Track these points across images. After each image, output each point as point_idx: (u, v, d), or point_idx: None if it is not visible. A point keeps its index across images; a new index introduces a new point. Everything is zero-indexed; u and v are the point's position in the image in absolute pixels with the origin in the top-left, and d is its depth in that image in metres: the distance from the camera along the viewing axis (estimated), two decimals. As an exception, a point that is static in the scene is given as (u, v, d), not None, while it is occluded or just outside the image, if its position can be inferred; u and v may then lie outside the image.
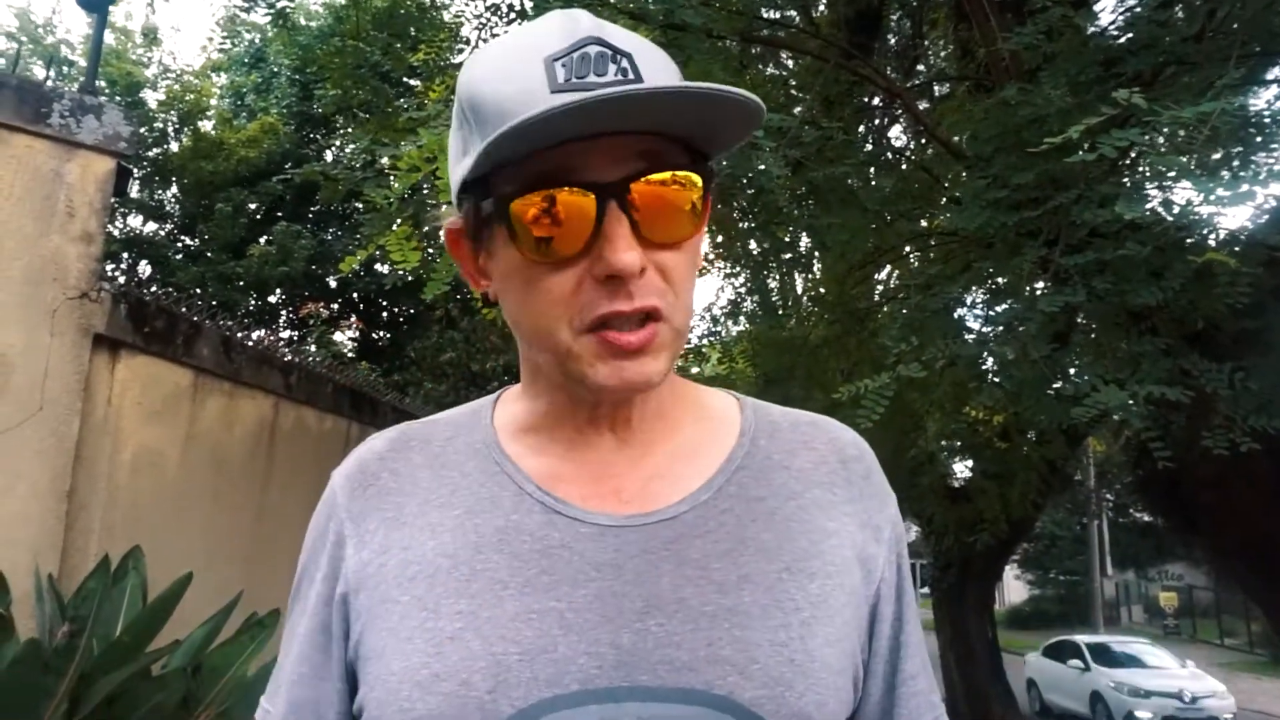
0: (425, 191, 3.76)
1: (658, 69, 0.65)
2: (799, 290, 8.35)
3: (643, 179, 0.63)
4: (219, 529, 4.14)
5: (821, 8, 7.25)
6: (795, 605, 0.68)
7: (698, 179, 0.66)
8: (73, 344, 3.23)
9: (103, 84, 11.74)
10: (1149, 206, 3.12)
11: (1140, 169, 2.74)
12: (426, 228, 3.48)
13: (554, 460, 0.74)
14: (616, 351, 0.65)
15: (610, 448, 0.74)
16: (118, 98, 11.56)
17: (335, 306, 12.00)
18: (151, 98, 12.85)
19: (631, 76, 0.63)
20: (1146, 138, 2.07)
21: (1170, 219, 2.95)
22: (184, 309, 4.02)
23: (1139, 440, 4.43)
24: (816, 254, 7.01)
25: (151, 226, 12.02)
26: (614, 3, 3.65)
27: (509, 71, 0.64)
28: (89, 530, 3.31)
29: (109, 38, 12.96)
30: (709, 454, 0.76)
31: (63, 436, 3.19)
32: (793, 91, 6.57)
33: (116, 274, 10.73)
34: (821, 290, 7.42)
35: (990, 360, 3.94)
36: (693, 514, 0.71)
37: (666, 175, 0.64)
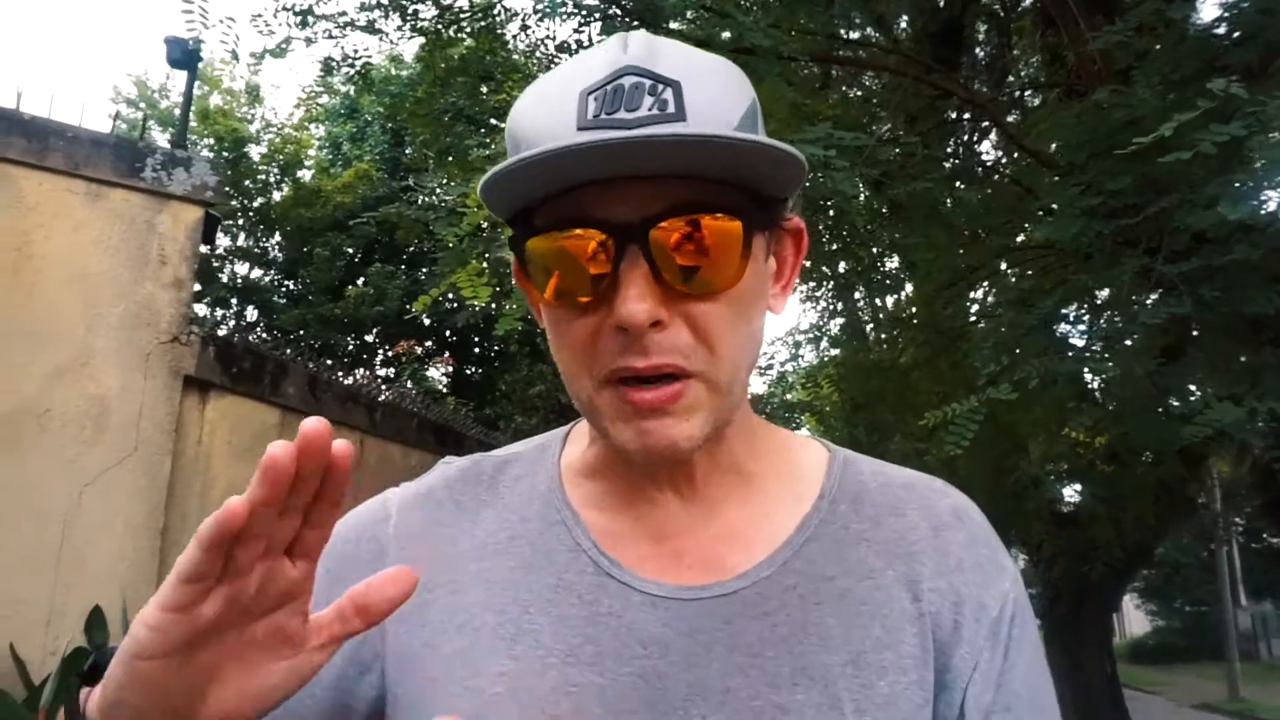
0: (496, 229, 3.79)
1: (709, 100, 0.58)
2: (887, 311, 8.11)
3: (668, 221, 0.57)
4: (308, 564, 4.22)
5: (903, 24, 7.11)
6: (857, 707, 0.60)
7: (736, 224, 0.58)
8: (165, 386, 3.36)
9: (210, 141, 12.47)
10: (1266, 207, 2.88)
11: (1256, 165, 2.53)
12: (492, 260, 3.50)
13: (614, 514, 0.68)
14: (637, 410, 0.59)
15: (674, 506, 0.68)
16: (225, 154, 12.25)
17: (429, 344, 12.32)
18: (255, 152, 13.58)
19: (672, 110, 0.56)
20: (1250, 131, 1.88)
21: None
22: (274, 350, 4.15)
23: (1266, 461, 4.07)
24: (904, 274, 6.80)
25: (257, 273, 12.64)
26: (679, 28, 3.63)
27: (547, 104, 0.60)
28: (182, 567, 3.41)
29: (216, 98, 13.80)
30: (783, 519, 0.68)
31: (156, 476, 3.31)
32: (875, 110, 6.43)
33: (226, 318, 11.32)
34: (911, 311, 7.19)
35: (1094, 378, 3.69)
36: (752, 590, 0.64)
37: (697, 218, 0.57)
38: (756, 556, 0.65)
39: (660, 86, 0.57)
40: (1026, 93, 7.14)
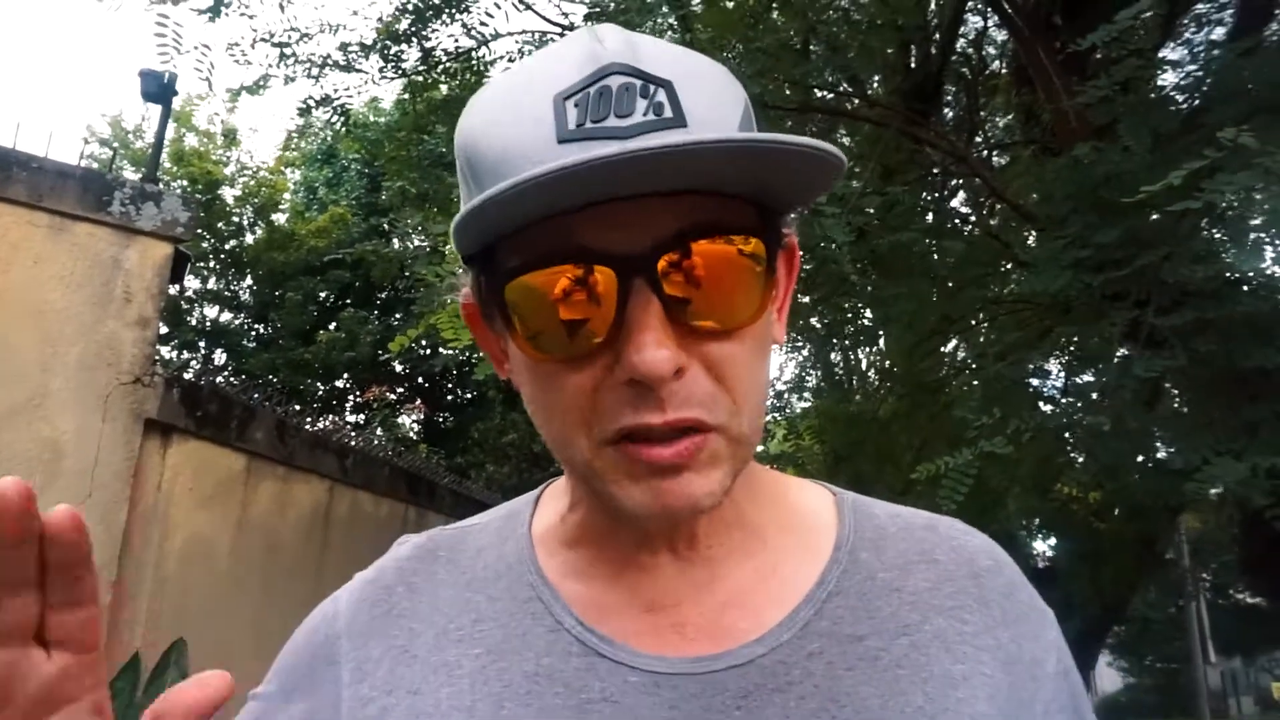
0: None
1: (708, 99, 0.49)
2: (865, 364, 8.11)
3: (681, 248, 0.48)
4: (270, 619, 4.02)
5: (875, 84, 7.23)
6: None
7: (756, 244, 0.49)
8: (124, 429, 3.21)
9: (184, 183, 12.35)
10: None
11: (1248, 220, 2.53)
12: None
13: (599, 585, 0.58)
14: (649, 468, 0.49)
15: (669, 570, 0.58)
16: (198, 195, 12.14)
17: (401, 390, 12.15)
18: (229, 194, 13.46)
19: (669, 115, 0.47)
20: (1262, 184, 1.86)
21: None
22: (241, 393, 4.01)
23: (1247, 516, 4.04)
24: (880, 327, 6.81)
25: (227, 316, 12.44)
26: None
27: (512, 113, 0.50)
28: (134, 622, 3.23)
29: (192, 139, 13.70)
30: (795, 574, 0.58)
31: (111, 524, 3.14)
32: (851, 165, 6.49)
33: (193, 362, 11.09)
34: (888, 364, 7.19)
35: (1077, 432, 3.66)
36: (771, 659, 0.54)
37: (716, 242, 0.48)
38: (769, 619, 0.55)
39: (653, 86, 0.47)
40: (993, 153, 7.28)
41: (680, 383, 0.48)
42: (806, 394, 7.69)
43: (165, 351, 10.95)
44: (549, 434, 0.54)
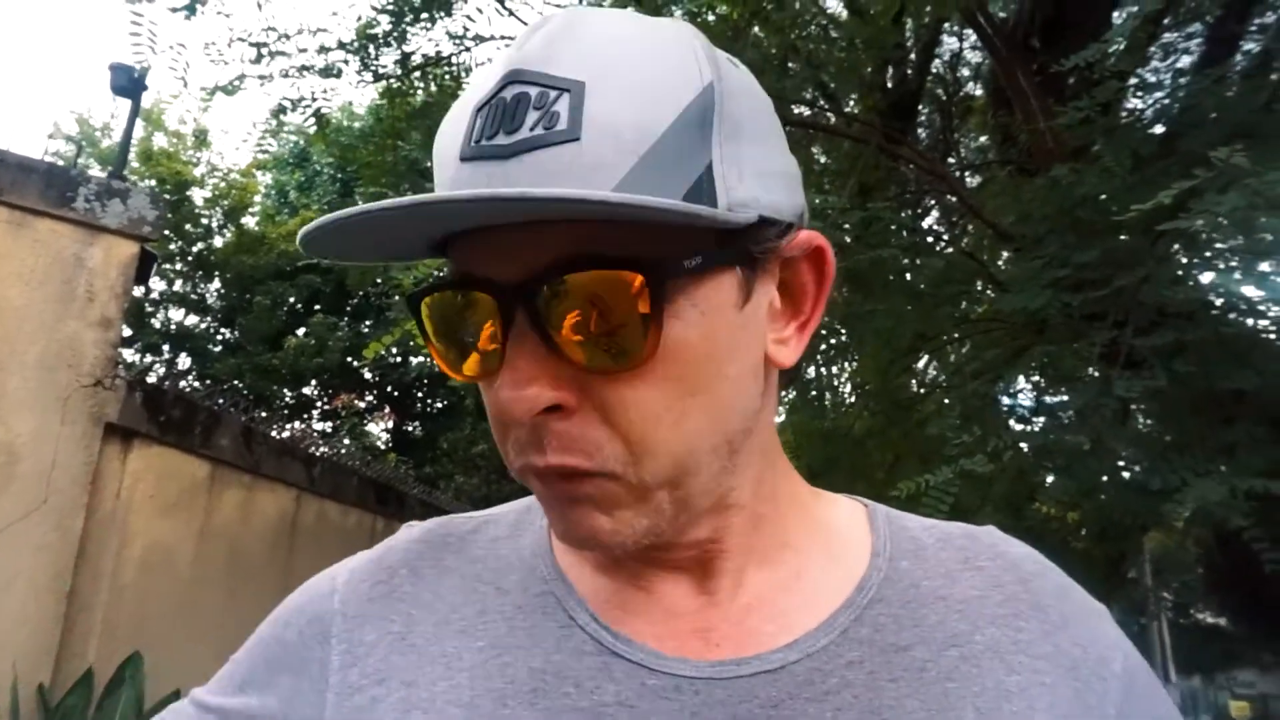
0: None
1: (624, 101, 0.44)
2: (840, 381, 8.13)
3: (564, 277, 0.43)
4: (232, 632, 3.90)
5: (853, 102, 7.29)
6: None
7: (632, 278, 0.43)
8: (83, 433, 3.10)
9: (152, 183, 12.15)
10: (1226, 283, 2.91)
11: (1227, 241, 2.56)
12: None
13: (619, 584, 0.54)
14: (550, 498, 0.48)
15: (687, 586, 0.54)
16: (167, 195, 11.93)
17: (370, 398, 11.99)
18: (199, 196, 13.25)
19: (561, 126, 0.42)
20: (1248, 204, 1.86)
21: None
22: (206, 398, 3.90)
23: (1217, 537, 4.07)
24: (853, 344, 6.82)
25: (193, 319, 12.22)
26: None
27: (452, 120, 0.48)
28: (88, 634, 3.11)
29: (161, 140, 13.48)
30: (829, 580, 0.54)
31: (67, 531, 3.03)
32: (826, 184, 6.53)
33: (157, 365, 10.87)
34: (860, 380, 7.20)
35: (1055, 451, 3.67)
36: (805, 666, 0.50)
37: (594, 274, 0.43)
38: (800, 624, 0.52)
39: (552, 94, 0.43)
40: (966, 174, 7.36)
41: (567, 424, 0.45)
42: (781, 410, 7.70)
43: (128, 354, 10.73)
44: None
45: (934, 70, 7.01)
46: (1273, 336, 3.03)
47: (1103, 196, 3.22)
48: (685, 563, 0.53)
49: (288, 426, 5.66)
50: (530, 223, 0.43)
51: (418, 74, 4.72)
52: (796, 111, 5.66)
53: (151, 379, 3.84)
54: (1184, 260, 3.15)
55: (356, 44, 4.45)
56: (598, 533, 0.47)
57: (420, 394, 11.87)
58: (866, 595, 0.53)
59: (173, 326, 11.89)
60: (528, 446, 0.46)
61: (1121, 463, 3.10)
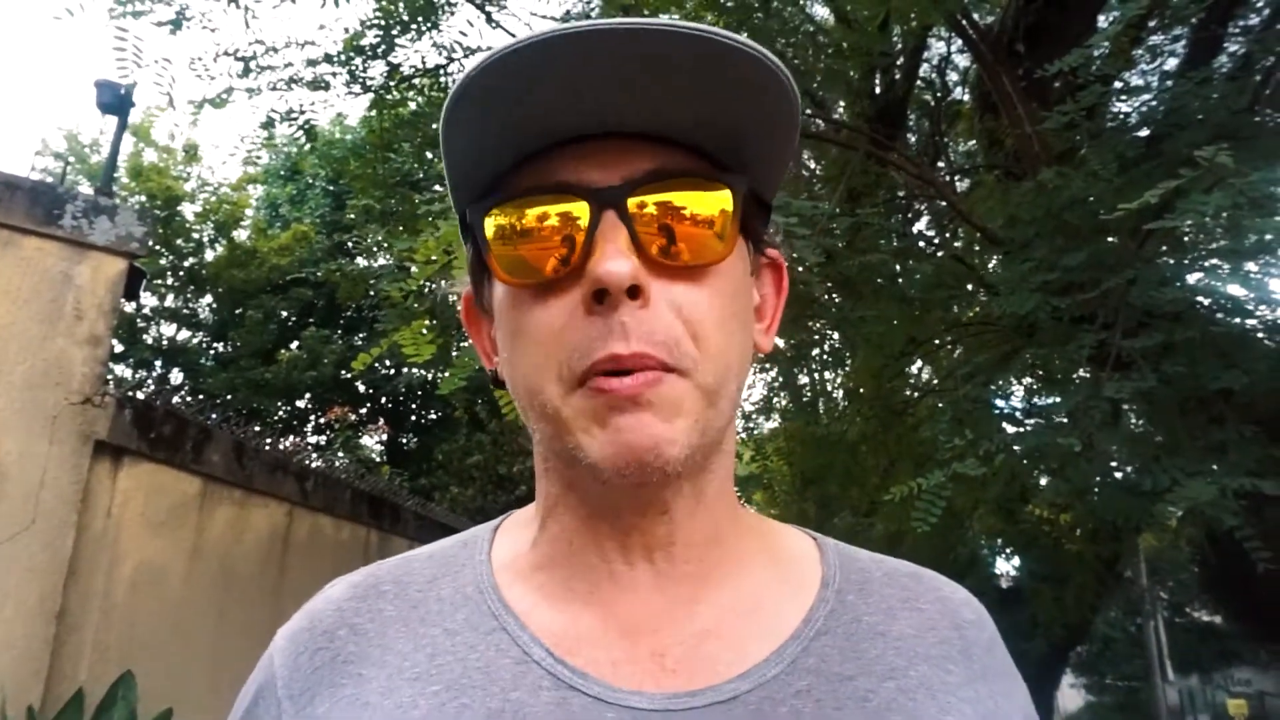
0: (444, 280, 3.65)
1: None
2: (833, 386, 8.13)
3: (652, 186, 0.51)
4: (225, 650, 3.88)
5: (841, 108, 7.31)
6: None
7: (725, 192, 0.53)
8: (72, 452, 3.08)
9: (141, 199, 12.11)
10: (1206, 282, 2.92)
11: (1207, 244, 2.57)
12: (438, 313, 3.36)
13: (572, 611, 0.54)
14: (610, 403, 0.48)
15: (647, 585, 0.54)
16: (157, 211, 11.89)
17: (363, 411, 11.95)
18: (189, 210, 13.21)
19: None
20: (1233, 204, 1.87)
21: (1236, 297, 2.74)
22: (197, 414, 3.88)
23: (1211, 536, 4.08)
24: (847, 348, 6.82)
25: (185, 335, 12.16)
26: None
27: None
28: (79, 655, 3.08)
29: (151, 155, 13.45)
30: (780, 609, 0.56)
31: (57, 551, 3.00)
32: (817, 189, 6.54)
33: (148, 381, 10.82)
34: (853, 385, 7.21)
35: (1047, 453, 3.67)
36: (757, 695, 0.51)
37: (685, 184, 0.52)
38: (753, 653, 0.52)
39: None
40: (955, 179, 7.38)
41: (645, 312, 0.49)
42: (774, 415, 7.70)
43: (119, 370, 10.68)
44: (525, 389, 0.53)
45: (922, 76, 7.04)
46: (1260, 336, 3.05)
47: (1090, 199, 3.24)
48: (658, 542, 0.54)
49: (281, 441, 5.64)
50: (625, 138, 0.51)
51: (406, 85, 4.71)
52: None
53: (142, 395, 3.82)
54: (1170, 262, 3.17)
55: (344, 56, 4.45)
56: (658, 441, 0.49)
57: (414, 406, 11.83)
58: (813, 627, 0.55)
59: (165, 342, 11.83)
60: (608, 336, 0.48)
61: (1113, 464, 3.10)
